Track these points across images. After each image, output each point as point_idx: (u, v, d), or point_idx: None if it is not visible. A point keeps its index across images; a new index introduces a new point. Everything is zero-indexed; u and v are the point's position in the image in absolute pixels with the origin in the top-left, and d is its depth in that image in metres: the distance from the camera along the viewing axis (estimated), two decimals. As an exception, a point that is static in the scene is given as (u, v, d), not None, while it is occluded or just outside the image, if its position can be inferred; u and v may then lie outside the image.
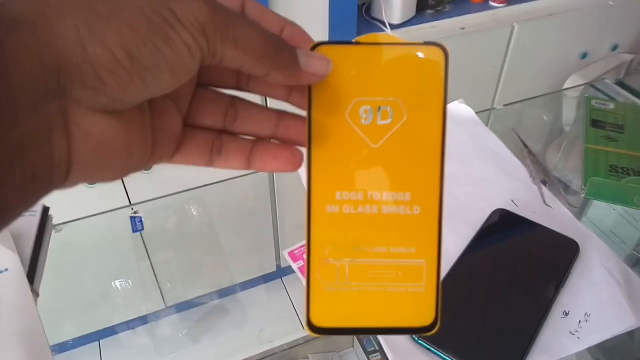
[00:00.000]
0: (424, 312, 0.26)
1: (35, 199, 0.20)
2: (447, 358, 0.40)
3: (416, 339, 0.41)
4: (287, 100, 0.26)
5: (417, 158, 0.26)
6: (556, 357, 0.41)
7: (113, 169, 0.22)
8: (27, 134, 0.18)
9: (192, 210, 0.97)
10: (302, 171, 0.26)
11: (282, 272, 1.13)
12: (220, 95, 0.26)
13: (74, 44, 0.18)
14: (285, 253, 0.48)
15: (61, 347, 0.98)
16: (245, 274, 1.18)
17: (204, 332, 1.05)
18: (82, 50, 0.18)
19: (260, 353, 0.74)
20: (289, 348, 0.68)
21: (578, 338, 0.42)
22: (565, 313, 0.43)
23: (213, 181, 0.91)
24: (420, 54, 0.25)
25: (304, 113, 0.26)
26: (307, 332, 0.25)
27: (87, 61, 0.19)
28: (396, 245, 0.26)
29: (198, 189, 0.92)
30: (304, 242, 0.26)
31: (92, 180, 0.22)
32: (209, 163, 0.26)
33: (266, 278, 1.13)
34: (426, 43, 0.25)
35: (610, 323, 0.42)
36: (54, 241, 0.56)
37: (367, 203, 0.26)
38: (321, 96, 0.25)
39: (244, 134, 0.27)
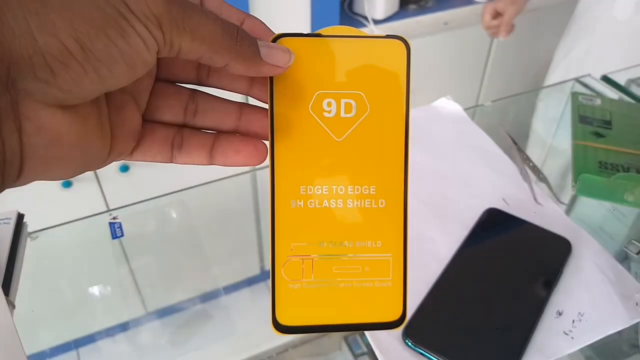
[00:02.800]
0: (391, 307, 0.26)
1: None
2: None
3: (409, 343, 0.39)
4: (248, 93, 0.26)
5: (381, 151, 0.26)
6: (551, 357, 0.40)
7: (68, 165, 0.21)
8: None
9: (173, 213, 0.95)
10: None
11: (266, 275, 1.11)
12: (180, 89, 0.26)
13: (23, 36, 0.18)
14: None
15: (39, 357, 0.95)
16: (229, 277, 1.15)
17: (187, 338, 1.03)
18: (32, 41, 0.18)
19: (247, 359, 0.72)
20: (277, 354, 0.67)
21: (572, 338, 0.41)
22: (559, 313, 0.42)
23: (194, 184, 0.89)
24: (383, 48, 0.25)
25: (266, 106, 0.25)
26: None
27: (38, 53, 0.18)
28: (362, 240, 0.26)
29: (179, 192, 0.90)
30: (269, 243, 0.25)
31: (46, 178, 0.21)
32: (170, 159, 0.26)
33: (250, 281, 1.11)
34: (388, 36, 0.25)
35: (604, 322, 0.42)
36: (30, 249, 0.53)
37: (332, 197, 0.25)
38: (283, 89, 0.25)
39: (205, 129, 0.26)
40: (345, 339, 0.79)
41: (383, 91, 0.25)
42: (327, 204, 0.25)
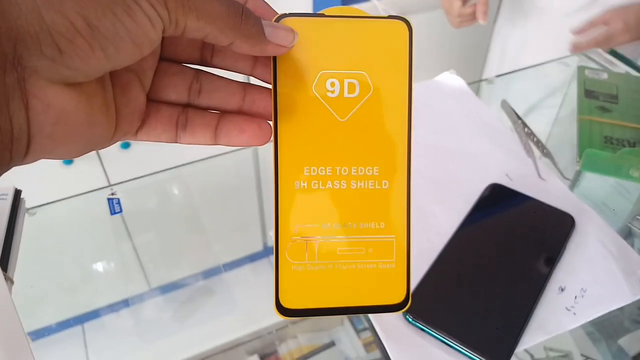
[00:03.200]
0: (395, 290, 0.25)
1: None
2: (440, 337, 0.38)
3: (409, 319, 0.39)
4: (251, 74, 0.26)
5: (384, 132, 0.25)
6: (552, 333, 0.40)
7: (74, 143, 0.21)
8: None
9: (174, 190, 0.95)
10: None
11: (268, 251, 1.12)
12: (184, 69, 0.26)
13: (30, 13, 0.18)
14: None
15: (43, 332, 0.96)
16: (231, 254, 1.16)
17: (190, 314, 1.03)
18: (39, 18, 0.18)
19: (249, 334, 0.73)
20: (277, 329, 0.67)
21: (574, 314, 0.41)
22: (561, 289, 0.42)
23: (195, 159, 0.89)
24: (385, 28, 0.25)
25: (269, 86, 0.25)
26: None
27: (45, 30, 0.18)
28: (366, 221, 0.25)
29: (180, 167, 0.89)
30: (272, 225, 0.25)
31: (53, 156, 0.21)
32: (175, 139, 0.26)
33: (253, 257, 1.11)
34: (390, 17, 0.25)
35: (606, 298, 0.41)
36: (28, 225, 0.53)
37: (336, 179, 0.25)
38: (286, 69, 0.25)
39: (209, 109, 0.26)
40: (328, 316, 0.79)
41: (386, 71, 0.25)
42: (330, 185, 0.25)
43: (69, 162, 0.76)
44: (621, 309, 0.63)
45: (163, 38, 0.21)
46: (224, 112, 0.26)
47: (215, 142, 0.26)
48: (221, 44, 0.22)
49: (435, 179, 0.48)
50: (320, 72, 0.25)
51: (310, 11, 0.25)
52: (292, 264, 0.25)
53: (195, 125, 0.25)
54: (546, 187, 0.48)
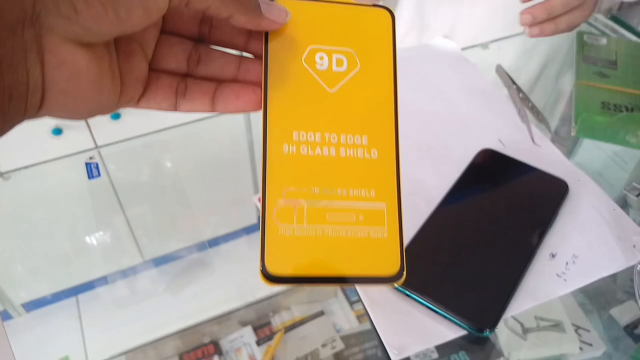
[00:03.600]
0: (388, 260, 0.25)
1: (9, 123, 0.21)
2: (425, 303, 0.37)
3: (395, 285, 0.38)
4: (245, 49, 0.27)
5: (371, 104, 0.27)
6: (542, 300, 0.39)
7: (84, 103, 0.23)
8: (5, 56, 0.19)
9: (167, 162, 0.94)
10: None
11: (263, 224, 1.11)
12: (184, 41, 0.27)
13: None
14: (255, 199, 0.45)
15: (37, 304, 0.96)
16: (226, 226, 1.15)
17: (183, 286, 1.03)
18: None
19: (242, 305, 0.72)
20: (270, 300, 0.66)
21: (565, 280, 0.40)
22: (552, 255, 0.41)
23: (185, 122, 0.87)
24: (370, 15, 0.27)
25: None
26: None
27: None
28: (355, 188, 0.25)
29: (171, 132, 0.87)
30: (260, 189, 0.25)
31: (63, 113, 0.23)
32: (175, 107, 0.27)
33: (247, 230, 1.11)
34: (375, 6, 0.28)
35: (598, 265, 0.40)
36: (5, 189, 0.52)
37: (325, 145, 0.26)
38: (277, 43, 0.26)
39: (207, 78, 0.28)
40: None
41: (372, 51, 0.27)
42: (319, 152, 0.25)
43: (58, 132, 0.75)
44: (614, 279, 0.62)
45: (165, 12, 0.23)
46: (220, 82, 0.27)
47: (213, 109, 0.27)
48: (221, 16, 0.24)
49: (426, 145, 0.47)
50: (310, 47, 0.26)
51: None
52: (279, 228, 0.24)
53: (194, 92, 0.27)
54: (540, 153, 0.47)
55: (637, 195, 0.46)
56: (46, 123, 0.82)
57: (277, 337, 0.59)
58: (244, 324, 0.72)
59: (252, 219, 1.11)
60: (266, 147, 0.25)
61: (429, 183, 0.44)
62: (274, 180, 0.25)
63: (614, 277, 0.65)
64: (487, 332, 0.37)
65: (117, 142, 0.81)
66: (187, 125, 0.96)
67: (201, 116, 0.83)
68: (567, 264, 0.40)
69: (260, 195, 0.25)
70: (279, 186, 0.25)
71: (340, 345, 0.61)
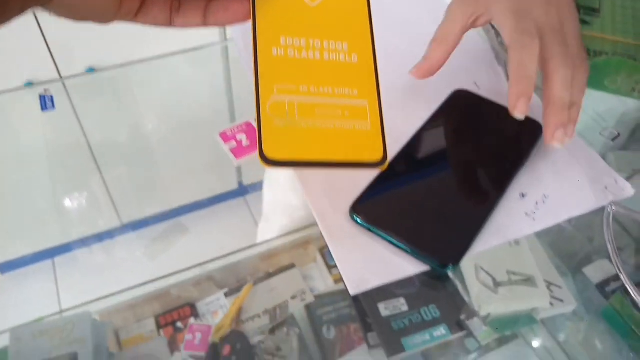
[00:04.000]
0: (372, 148, 0.28)
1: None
2: (389, 238, 0.36)
3: (357, 219, 0.37)
4: None
5: (349, 17, 0.30)
6: (509, 238, 0.38)
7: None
8: None
9: (148, 124, 0.92)
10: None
11: (244, 190, 1.09)
12: None
13: None
14: (216, 135, 0.43)
15: (13, 265, 0.94)
16: (206, 192, 1.14)
17: (161, 250, 1.02)
18: None
19: (220, 269, 0.71)
20: (246, 260, 0.65)
21: (533, 219, 0.38)
22: (522, 195, 0.40)
23: (166, 81, 0.85)
24: None
25: None
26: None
27: None
28: (339, 86, 0.28)
29: (152, 91, 0.85)
30: (252, 87, 0.28)
31: (67, 9, 0.25)
32: (169, 22, 0.29)
33: (228, 196, 1.10)
34: None
35: (568, 205, 0.39)
36: None
37: (310, 49, 0.29)
38: None
39: None
40: (320, 251, 0.77)
41: None
42: (305, 55, 0.28)
43: (30, 84, 0.73)
44: (591, 241, 0.61)
45: None
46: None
47: (205, 23, 0.29)
48: None
49: (398, 86, 0.45)
50: None
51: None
52: (273, 119, 0.27)
53: (187, 8, 0.29)
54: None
55: (613, 139, 0.44)
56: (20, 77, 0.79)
57: (245, 288, 0.57)
58: (221, 287, 0.70)
59: (233, 185, 1.09)
60: (257, 50, 0.28)
61: (398, 123, 0.43)
62: (265, 78, 0.27)
63: (589, 236, 0.64)
64: (450, 267, 0.35)
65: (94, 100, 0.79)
66: (168, 84, 0.94)
67: (184, 73, 0.81)
68: (537, 203, 0.39)
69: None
70: (271, 84, 0.27)
71: (310, 298, 0.60)
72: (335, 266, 0.77)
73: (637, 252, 0.51)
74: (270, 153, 0.26)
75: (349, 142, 0.28)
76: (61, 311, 0.61)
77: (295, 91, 0.28)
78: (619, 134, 0.46)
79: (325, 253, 0.76)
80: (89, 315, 0.60)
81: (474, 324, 0.60)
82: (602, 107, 0.51)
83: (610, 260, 0.41)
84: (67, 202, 0.87)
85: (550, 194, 0.40)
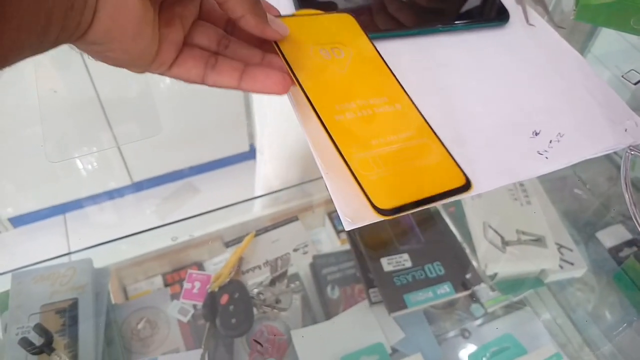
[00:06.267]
0: (453, 175, 0.31)
1: (65, 33, 0.23)
2: None
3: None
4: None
5: (375, 75, 0.34)
6: (520, 177, 0.35)
7: (125, 38, 0.25)
8: None
9: (160, 82, 0.90)
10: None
11: (254, 153, 1.08)
12: (216, 27, 0.31)
13: None
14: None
15: (25, 219, 0.95)
16: (217, 153, 1.13)
17: (171, 209, 1.01)
18: None
19: (227, 228, 0.69)
20: (254, 220, 0.64)
21: (546, 158, 0.36)
22: (536, 133, 0.37)
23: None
24: (338, 19, 0.37)
25: None
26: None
27: None
28: (399, 133, 0.32)
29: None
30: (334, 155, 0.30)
31: (105, 47, 0.25)
32: (202, 78, 0.29)
33: (239, 158, 1.08)
34: (338, 11, 0.40)
35: (584, 144, 0.36)
36: None
37: (361, 109, 0.32)
38: (288, 47, 0.32)
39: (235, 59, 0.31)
40: (329, 215, 0.76)
41: (353, 41, 0.36)
42: (360, 114, 0.31)
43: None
44: (605, 207, 0.58)
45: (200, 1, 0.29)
46: (247, 64, 0.30)
47: (239, 85, 0.29)
48: (236, 13, 0.27)
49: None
50: (312, 46, 0.34)
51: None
52: (367, 175, 0.29)
53: (224, 66, 0.29)
54: (535, 33, 0.43)
55: (636, 83, 0.41)
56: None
57: (246, 239, 0.56)
58: (228, 245, 0.69)
59: (244, 147, 1.08)
60: (322, 120, 0.30)
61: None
62: (341, 141, 0.30)
63: (604, 203, 0.61)
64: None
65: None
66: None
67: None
68: (550, 142, 0.36)
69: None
70: (349, 145, 0.30)
71: (313, 251, 0.58)
72: (343, 230, 0.75)
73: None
74: (381, 205, 0.28)
75: (433, 176, 0.30)
76: (69, 253, 0.61)
77: (369, 147, 0.30)
78: (644, 77, 0.43)
79: (333, 217, 0.75)
80: (90, 262, 0.59)
81: (481, 291, 0.58)
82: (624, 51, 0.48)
83: (625, 224, 0.38)
84: (79, 159, 0.86)
85: (566, 132, 0.37)
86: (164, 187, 1.04)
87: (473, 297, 0.57)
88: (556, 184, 0.58)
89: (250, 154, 1.06)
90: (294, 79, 0.31)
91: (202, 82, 0.29)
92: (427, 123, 0.33)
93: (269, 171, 0.80)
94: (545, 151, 0.36)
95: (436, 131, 0.32)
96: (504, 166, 0.35)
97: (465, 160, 0.33)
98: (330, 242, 0.69)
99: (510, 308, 0.60)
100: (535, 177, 0.35)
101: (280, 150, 0.71)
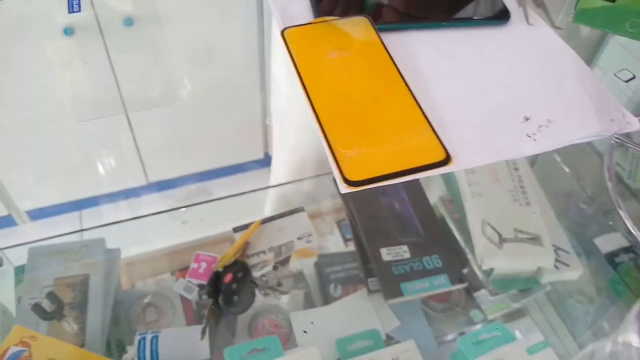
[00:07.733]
0: (433, 151, 0.33)
1: None
2: None
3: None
4: None
5: (377, 68, 0.37)
6: (508, 156, 0.38)
7: None
8: None
9: (180, 87, 0.94)
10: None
11: (269, 161, 1.10)
12: None
13: None
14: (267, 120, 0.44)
15: (41, 213, 0.98)
16: (231, 159, 1.16)
17: (184, 211, 1.04)
18: None
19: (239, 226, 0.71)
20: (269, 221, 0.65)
21: (535, 140, 0.38)
22: (526, 118, 0.39)
23: (199, 44, 0.87)
24: (353, 22, 0.41)
25: None
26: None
27: None
28: (386, 112, 0.35)
29: (185, 52, 0.88)
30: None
31: None
32: None
33: (254, 165, 1.11)
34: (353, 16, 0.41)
35: (572, 130, 0.38)
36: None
37: (355, 96, 0.35)
38: (297, 47, 0.38)
39: None
40: (338, 223, 0.78)
41: (362, 40, 0.39)
42: (353, 100, 0.35)
43: (69, 31, 0.76)
44: (601, 211, 0.59)
45: None
46: None
47: None
48: None
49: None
50: (322, 47, 0.38)
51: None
52: (345, 152, 0.32)
53: None
54: (534, 32, 0.45)
55: (627, 81, 0.43)
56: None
57: (252, 226, 0.58)
58: (236, 231, 0.71)
59: (259, 154, 1.11)
60: (311, 101, 0.35)
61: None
62: (333, 135, 0.33)
63: (601, 208, 0.62)
64: None
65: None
66: (201, 47, 0.96)
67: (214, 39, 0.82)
68: (539, 126, 0.38)
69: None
70: (331, 123, 0.33)
71: (315, 240, 0.60)
72: (351, 239, 0.77)
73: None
74: (351, 176, 0.31)
75: (413, 150, 0.33)
76: (81, 230, 0.63)
77: (355, 124, 0.34)
78: (634, 76, 0.45)
79: (342, 226, 0.77)
80: (104, 241, 0.62)
81: (482, 297, 0.59)
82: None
83: (622, 231, 0.40)
84: (98, 157, 0.90)
85: (555, 119, 0.39)
86: (179, 190, 1.07)
87: (473, 303, 0.58)
88: (554, 187, 0.60)
89: (265, 161, 1.09)
90: (297, 73, 0.36)
91: None
92: (417, 103, 0.35)
93: (282, 179, 0.82)
94: (534, 134, 0.38)
95: (429, 113, 0.35)
96: (494, 146, 0.37)
97: (456, 140, 0.35)
98: (337, 249, 0.70)
99: (510, 317, 0.61)
100: (523, 157, 0.37)
101: (295, 162, 0.73)
